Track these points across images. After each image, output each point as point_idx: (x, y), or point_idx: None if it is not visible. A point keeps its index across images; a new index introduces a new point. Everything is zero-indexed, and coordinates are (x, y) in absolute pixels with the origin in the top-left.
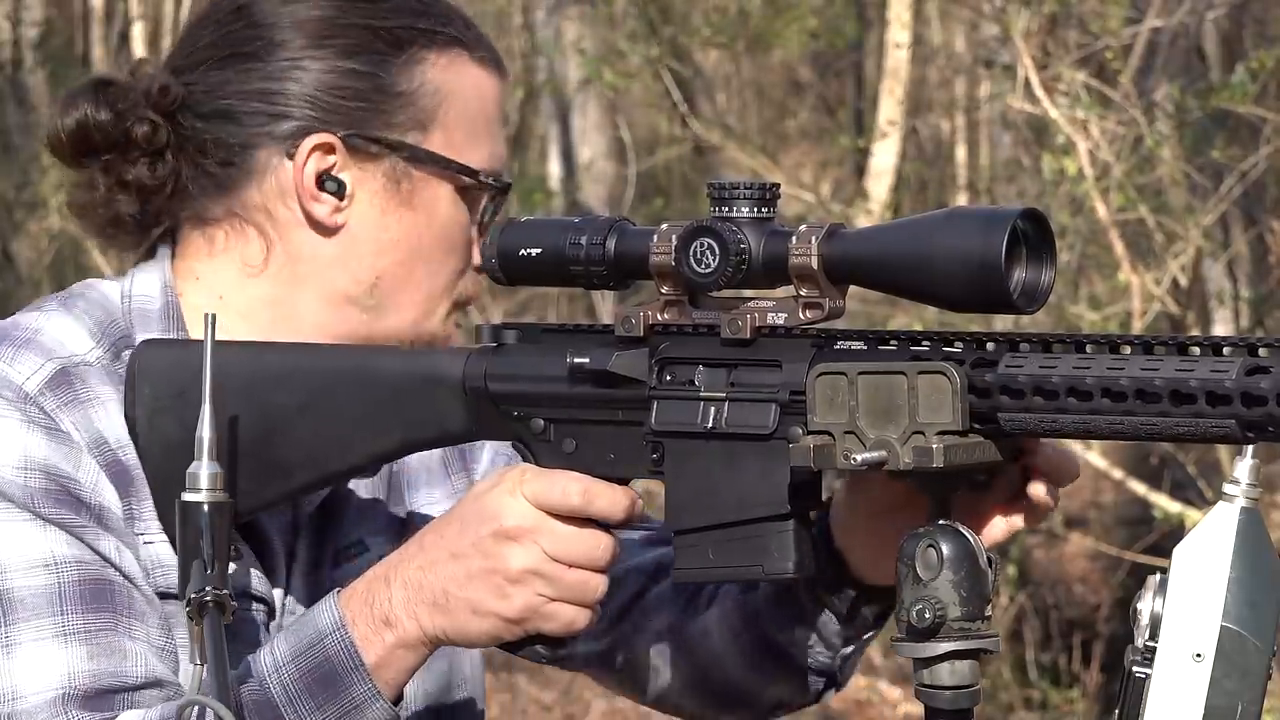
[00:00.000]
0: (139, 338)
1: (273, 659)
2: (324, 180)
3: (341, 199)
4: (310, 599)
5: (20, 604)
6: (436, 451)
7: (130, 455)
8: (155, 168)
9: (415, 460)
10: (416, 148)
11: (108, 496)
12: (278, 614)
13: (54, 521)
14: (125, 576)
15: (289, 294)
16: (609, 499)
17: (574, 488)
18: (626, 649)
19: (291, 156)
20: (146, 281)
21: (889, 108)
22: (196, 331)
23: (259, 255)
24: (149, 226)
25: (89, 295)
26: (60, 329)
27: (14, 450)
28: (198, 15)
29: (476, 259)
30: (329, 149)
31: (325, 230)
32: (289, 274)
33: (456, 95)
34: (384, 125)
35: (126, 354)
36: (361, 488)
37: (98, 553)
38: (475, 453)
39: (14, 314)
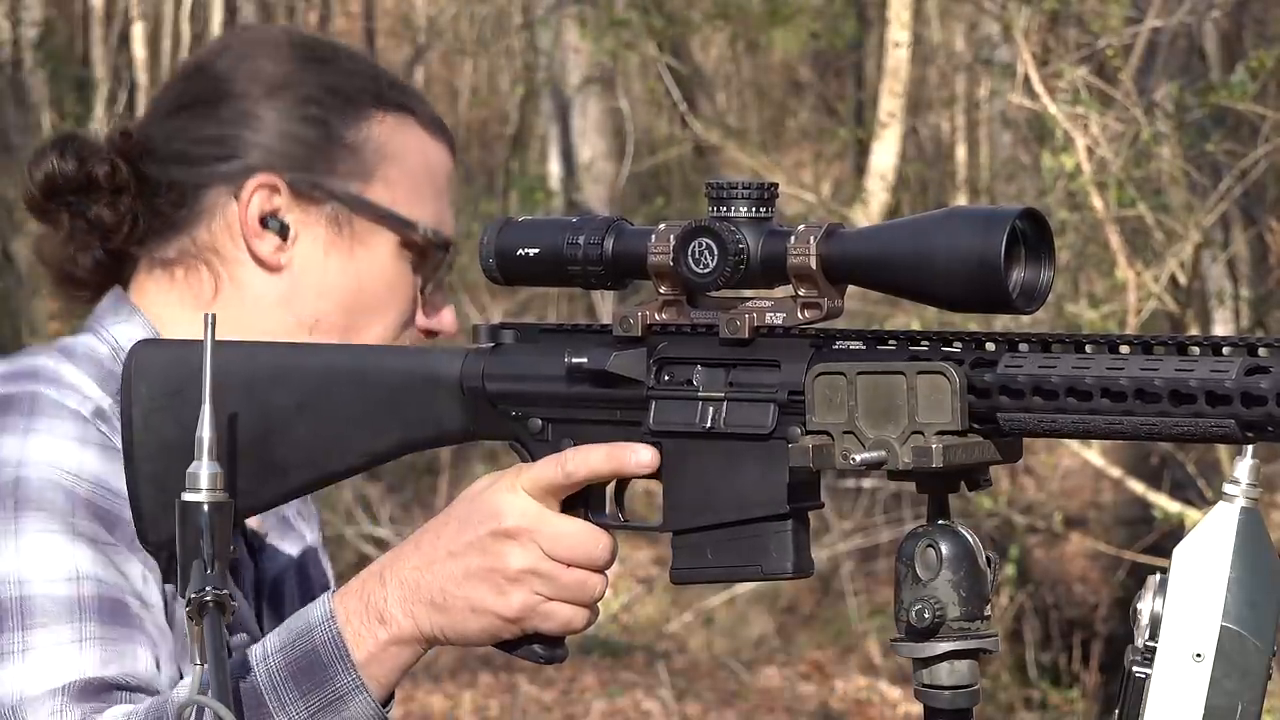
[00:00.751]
0: None
1: (262, 649)
2: (267, 220)
3: (285, 239)
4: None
5: (40, 610)
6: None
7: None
8: (116, 206)
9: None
10: (357, 196)
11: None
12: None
13: (86, 536)
14: (142, 603)
15: (237, 331)
16: (601, 453)
17: (565, 456)
18: None
19: (238, 196)
20: (129, 331)
21: (889, 105)
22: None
23: (210, 291)
24: (106, 270)
25: (75, 350)
26: (76, 377)
27: (70, 459)
28: (166, 80)
29: (421, 319)
30: (274, 189)
31: (269, 268)
32: (236, 311)
33: (401, 154)
34: (327, 172)
35: None
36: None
37: (122, 573)
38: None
39: (17, 313)
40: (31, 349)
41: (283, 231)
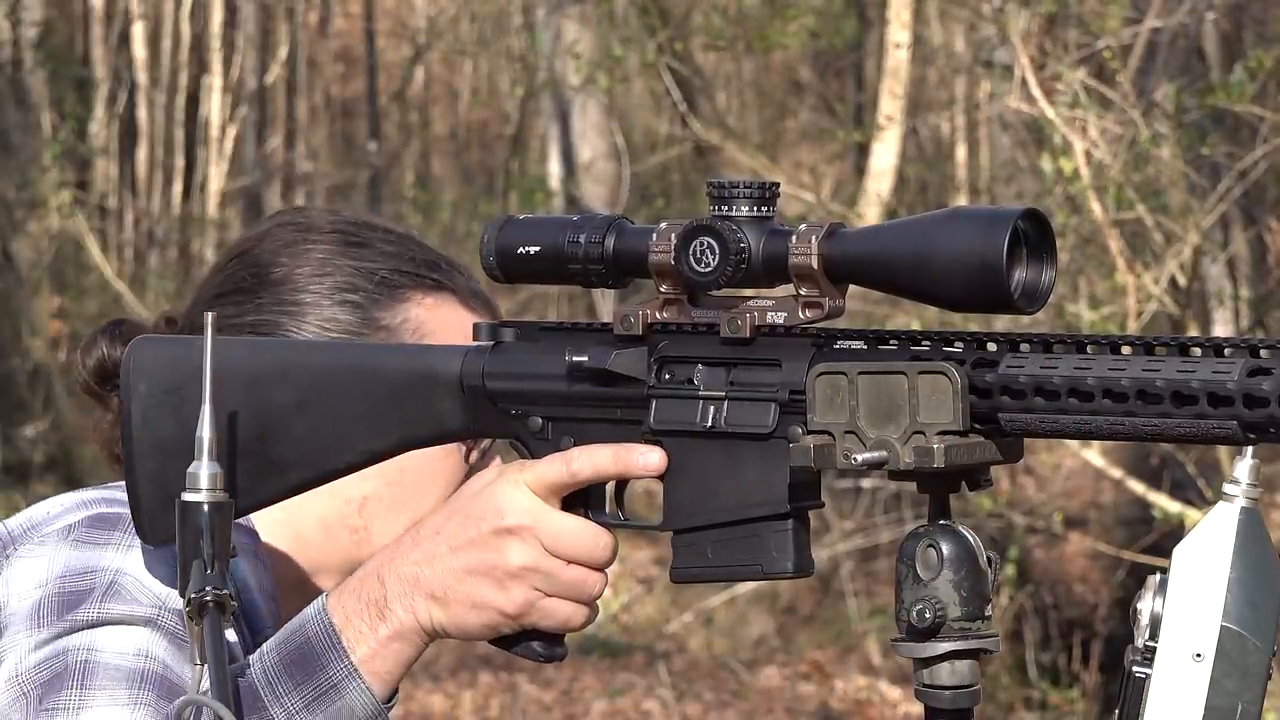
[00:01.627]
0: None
1: (258, 652)
2: None
3: None
4: None
5: (103, 670)
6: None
7: None
8: None
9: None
10: None
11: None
12: None
13: (166, 630)
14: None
15: (291, 516)
16: (607, 452)
17: (570, 455)
18: None
19: None
20: None
21: (889, 106)
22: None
23: None
24: None
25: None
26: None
27: (160, 584)
28: (213, 264)
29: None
30: None
31: None
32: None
33: (439, 333)
34: None
35: None
36: None
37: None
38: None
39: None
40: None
41: None
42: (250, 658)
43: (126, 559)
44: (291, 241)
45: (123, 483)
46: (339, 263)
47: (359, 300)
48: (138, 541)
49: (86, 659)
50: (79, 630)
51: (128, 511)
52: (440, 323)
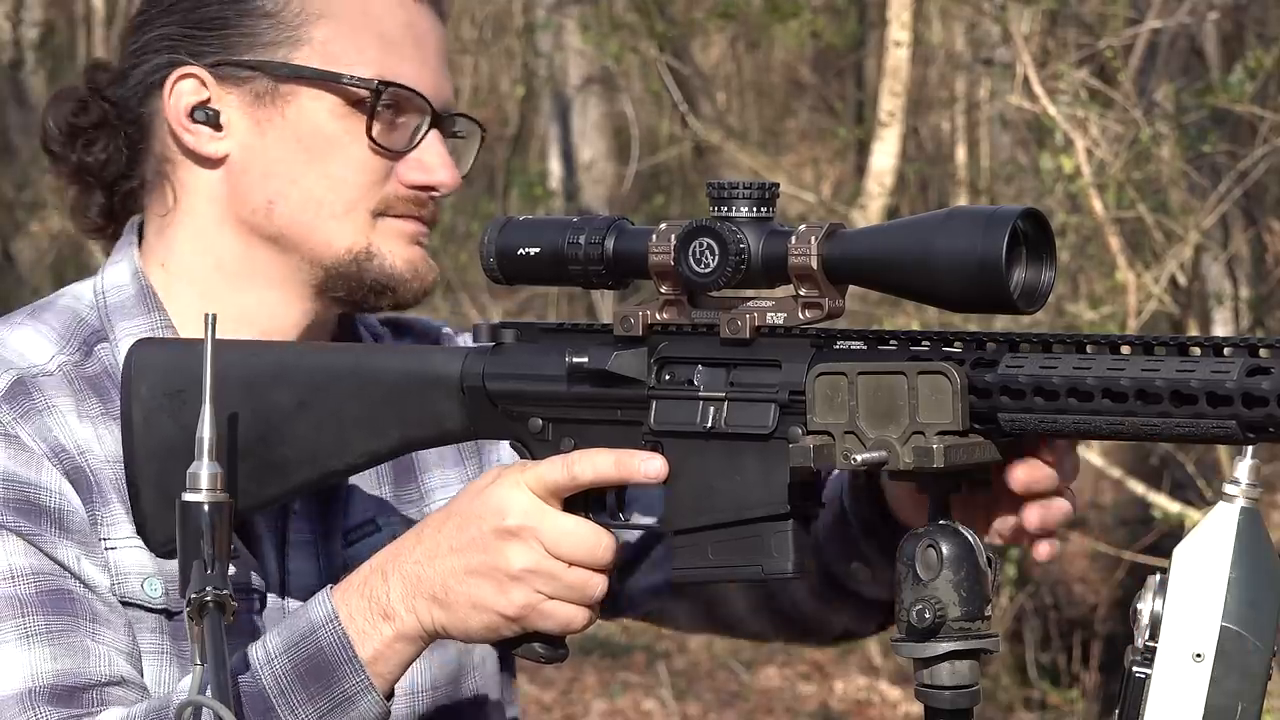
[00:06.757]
0: (118, 329)
1: (265, 651)
2: (195, 112)
3: (218, 128)
4: (318, 579)
5: None
6: None
7: (93, 461)
8: (93, 146)
9: None
10: (281, 64)
11: (71, 501)
12: (267, 602)
13: (11, 530)
14: (84, 584)
15: (208, 242)
16: (608, 457)
17: (572, 458)
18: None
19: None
20: (116, 273)
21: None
22: (175, 312)
23: (170, 204)
24: (116, 213)
25: (58, 302)
26: (22, 340)
27: None
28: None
29: (411, 176)
30: (197, 79)
31: (208, 162)
32: (195, 217)
33: (331, 10)
34: (248, 48)
35: (101, 348)
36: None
37: (56, 561)
38: (491, 446)
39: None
40: (20, 308)
41: (212, 121)
42: (258, 657)
43: None
44: None
45: (16, 312)
46: None
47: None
48: None
49: None
50: None
51: None
52: (334, 3)
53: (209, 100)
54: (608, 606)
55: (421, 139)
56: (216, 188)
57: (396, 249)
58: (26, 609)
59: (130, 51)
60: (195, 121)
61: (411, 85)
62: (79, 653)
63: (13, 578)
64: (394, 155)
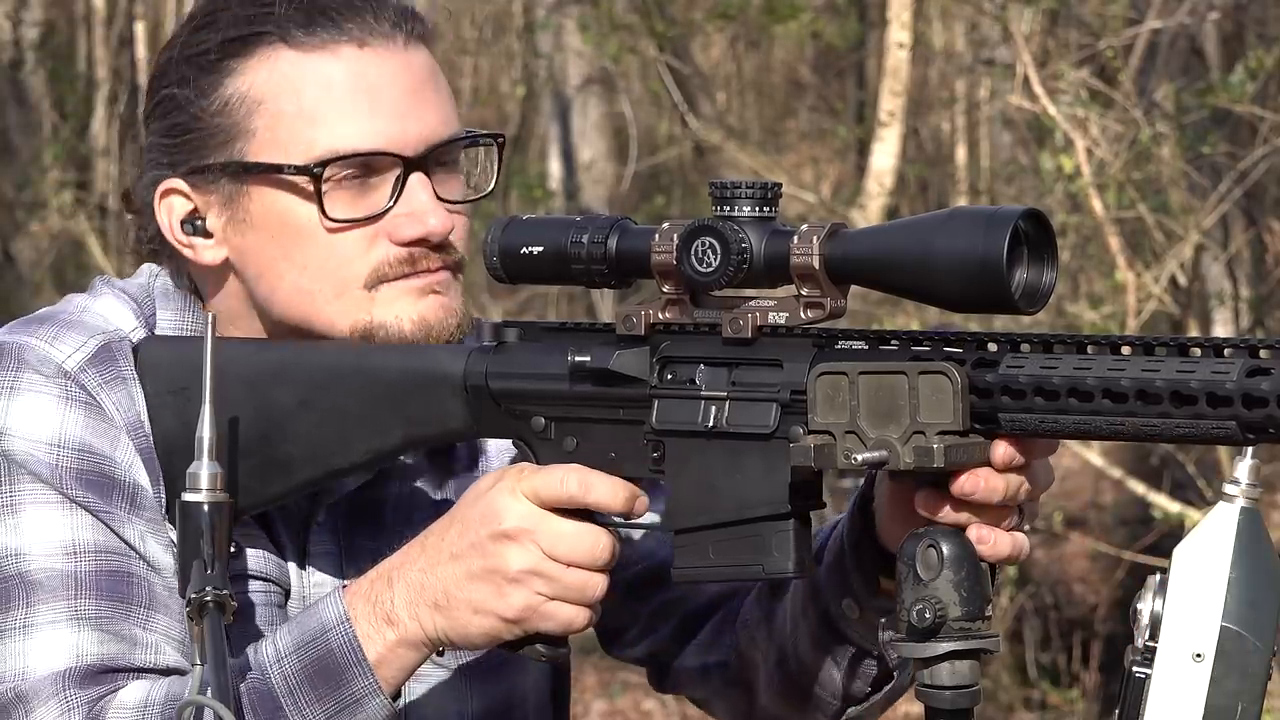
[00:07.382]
0: (159, 314)
1: (275, 650)
2: (184, 225)
3: (208, 236)
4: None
5: (39, 586)
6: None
7: (151, 442)
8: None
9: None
10: (230, 162)
11: (142, 479)
12: (293, 598)
13: (80, 504)
14: (148, 564)
15: (245, 323)
16: (607, 488)
17: (572, 478)
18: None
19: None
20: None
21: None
22: (212, 305)
23: (208, 295)
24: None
25: (132, 280)
26: (107, 307)
27: (49, 427)
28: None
29: (401, 234)
30: (180, 194)
31: (213, 270)
32: (226, 307)
33: (265, 96)
34: (211, 150)
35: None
36: (400, 476)
37: (122, 539)
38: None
39: (17, 314)
40: (99, 278)
41: (201, 231)
42: (267, 656)
43: (10, 410)
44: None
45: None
46: (169, 56)
47: (187, 96)
48: (24, 375)
49: (19, 569)
50: None
51: (24, 338)
52: (264, 86)
53: (195, 210)
54: (655, 683)
55: (400, 191)
56: (232, 285)
57: (404, 311)
58: (82, 589)
59: (133, 163)
60: (187, 234)
61: (363, 148)
62: (125, 640)
63: (76, 554)
64: (370, 221)
